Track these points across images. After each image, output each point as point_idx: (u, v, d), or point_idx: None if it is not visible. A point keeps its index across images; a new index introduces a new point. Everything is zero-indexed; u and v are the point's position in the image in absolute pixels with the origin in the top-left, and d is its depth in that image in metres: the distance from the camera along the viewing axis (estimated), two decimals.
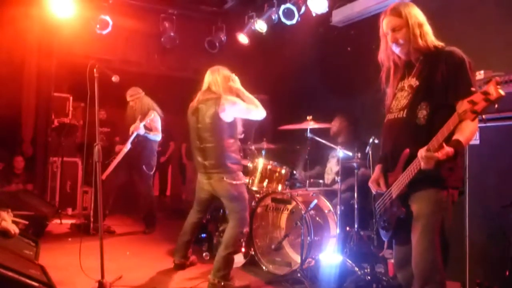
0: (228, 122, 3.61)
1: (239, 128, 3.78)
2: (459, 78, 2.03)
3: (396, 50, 2.21)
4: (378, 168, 2.35)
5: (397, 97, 2.25)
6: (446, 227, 2.07)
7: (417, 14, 2.18)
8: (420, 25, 2.16)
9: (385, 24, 2.22)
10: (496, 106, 1.70)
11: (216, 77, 3.74)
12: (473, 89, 1.78)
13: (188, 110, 3.82)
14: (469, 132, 1.90)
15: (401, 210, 2.10)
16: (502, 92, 1.65)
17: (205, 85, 3.77)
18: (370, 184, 2.35)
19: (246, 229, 3.66)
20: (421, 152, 1.88)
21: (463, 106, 1.72)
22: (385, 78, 2.38)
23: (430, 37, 2.18)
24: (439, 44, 2.19)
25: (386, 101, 2.37)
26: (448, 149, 1.83)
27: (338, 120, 4.80)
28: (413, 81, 2.18)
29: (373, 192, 2.38)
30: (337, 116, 4.81)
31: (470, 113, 1.69)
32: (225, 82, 3.73)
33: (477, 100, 1.67)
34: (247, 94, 3.77)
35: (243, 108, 3.64)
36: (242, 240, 3.69)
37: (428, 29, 2.19)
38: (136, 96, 5.67)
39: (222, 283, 3.42)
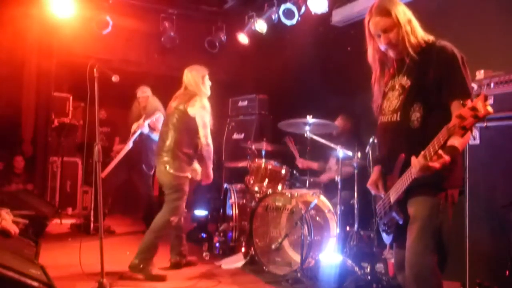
0: (193, 118, 3.83)
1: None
2: (452, 76, 1.96)
3: (389, 51, 2.13)
4: (377, 169, 2.30)
5: (389, 97, 2.18)
6: (445, 230, 2.02)
7: (404, 10, 2.09)
8: (409, 21, 2.07)
9: (373, 26, 2.11)
10: (485, 124, 1.66)
11: (189, 78, 3.97)
12: (461, 101, 1.71)
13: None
14: (466, 136, 1.82)
15: (399, 215, 2.07)
16: (490, 109, 1.58)
17: (183, 85, 4.01)
18: (368, 186, 2.31)
19: (174, 218, 3.79)
20: (415, 163, 1.81)
21: (452, 120, 1.67)
22: (374, 81, 2.30)
23: (420, 32, 2.11)
24: (429, 38, 2.11)
25: (373, 103, 2.30)
26: (445, 158, 1.76)
27: (342, 120, 4.79)
28: (404, 80, 2.12)
29: (372, 193, 2.36)
30: (340, 115, 4.81)
31: (458, 128, 1.63)
32: (200, 84, 3.95)
33: (465, 116, 1.61)
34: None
35: (202, 121, 3.84)
36: (168, 228, 3.86)
37: (416, 23, 2.11)
38: (146, 94, 5.72)
39: (141, 266, 3.60)
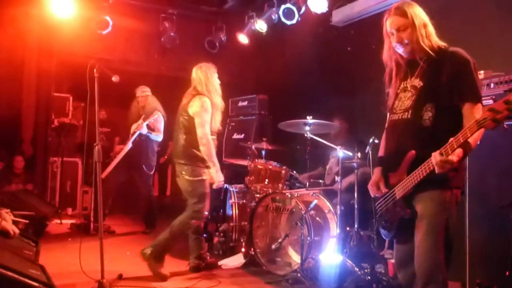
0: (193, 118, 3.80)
1: (213, 126, 3.89)
2: (464, 80, 2.03)
3: (400, 49, 2.20)
4: (377, 170, 2.34)
5: (400, 97, 2.24)
6: (450, 227, 2.07)
7: (421, 14, 2.17)
8: (425, 25, 2.15)
9: (389, 24, 2.20)
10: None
11: (199, 75, 3.93)
12: (480, 98, 1.76)
13: None
14: (477, 134, 1.88)
15: (405, 211, 2.10)
16: None
17: (192, 84, 3.97)
18: (369, 187, 2.34)
19: (195, 222, 3.82)
20: (436, 157, 1.85)
21: (482, 114, 1.72)
22: (388, 79, 2.36)
23: (434, 38, 2.17)
24: (443, 44, 2.18)
25: (388, 102, 2.36)
26: (459, 151, 1.83)
27: (337, 122, 4.75)
28: (416, 82, 2.17)
29: (372, 195, 2.37)
30: (335, 118, 4.76)
31: (490, 121, 1.68)
32: (207, 83, 3.90)
33: (499, 109, 1.66)
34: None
35: (199, 120, 3.77)
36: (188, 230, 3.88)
37: (431, 29, 2.18)
38: (146, 94, 5.72)
39: (151, 258, 3.66)
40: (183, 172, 3.80)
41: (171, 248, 3.82)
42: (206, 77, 3.89)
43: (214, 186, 3.87)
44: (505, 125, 1.71)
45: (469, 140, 1.85)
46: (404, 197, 2.11)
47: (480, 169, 2.98)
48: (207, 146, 3.76)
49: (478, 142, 1.98)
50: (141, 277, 3.72)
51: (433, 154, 1.88)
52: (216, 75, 3.99)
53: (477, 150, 2.96)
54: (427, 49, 2.13)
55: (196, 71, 3.96)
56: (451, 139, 1.83)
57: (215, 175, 3.82)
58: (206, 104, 3.79)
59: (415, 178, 2.02)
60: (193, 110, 3.78)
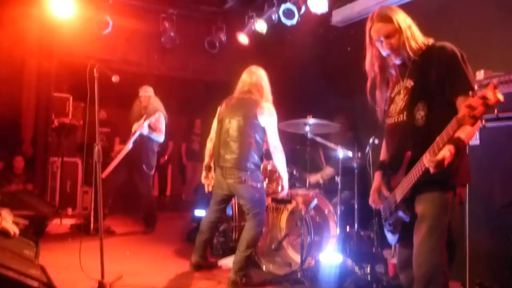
0: (261, 125, 3.70)
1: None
2: (454, 73, 2.01)
3: (391, 56, 2.18)
4: (378, 175, 2.33)
5: (395, 100, 2.23)
6: (454, 228, 2.06)
7: (404, 17, 2.16)
8: (409, 27, 2.14)
9: (375, 32, 2.18)
10: (495, 111, 1.69)
11: (258, 81, 3.82)
12: (470, 92, 1.74)
13: (222, 106, 3.91)
14: (470, 129, 1.87)
15: (406, 213, 2.09)
16: (500, 97, 1.61)
17: (244, 87, 3.83)
18: (371, 193, 2.33)
19: (265, 229, 3.77)
20: (426, 158, 1.84)
21: (461, 111, 1.70)
22: (370, 89, 2.35)
23: (420, 37, 2.17)
24: (429, 41, 2.17)
25: (377, 109, 2.35)
26: (450, 148, 1.80)
27: (338, 121, 4.72)
28: (408, 83, 2.16)
29: (370, 203, 2.36)
30: (335, 119, 4.73)
31: (468, 118, 1.67)
32: (268, 91, 3.82)
33: (475, 105, 1.64)
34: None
35: (273, 129, 3.71)
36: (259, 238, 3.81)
37: (415, 29, 2.17)
38: (148, 94, 5.73)
39: (244, 280, 3.54)
40: (246, 179, 3.62)
41: (251, 260, 3.74)
42: (261, 84, 3.80)
43: (281, 195, 3.89)
44: (483, 122, 1.70)
45: (461, 135, 1.82)
46: (404, 199, 2.09)
47: (480, 169, 2.98)
48: (283, 154, 3.72)
49: (478, 142, 1.97)
50: (141, 277, 3.72)
51: (423, 158, 1.87)
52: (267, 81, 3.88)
53: (477, 150, 2.99)
54: (415, 49, 2.12)
55: (251, 76, 3.84)
56: (437, 138, 1.82)
57: (286, 184, 3.82)
58: (274, 111, 3.72)
59: (411, 180, 2.00)
60: (265, 118, 3.67)
